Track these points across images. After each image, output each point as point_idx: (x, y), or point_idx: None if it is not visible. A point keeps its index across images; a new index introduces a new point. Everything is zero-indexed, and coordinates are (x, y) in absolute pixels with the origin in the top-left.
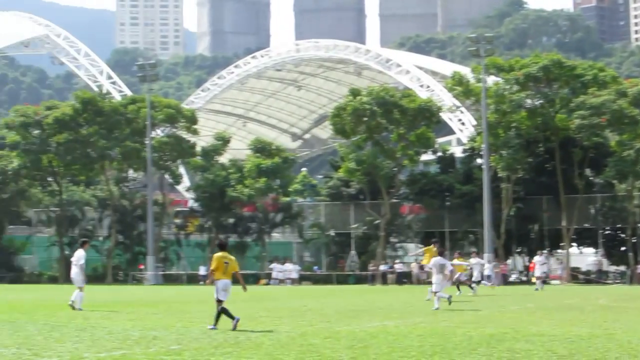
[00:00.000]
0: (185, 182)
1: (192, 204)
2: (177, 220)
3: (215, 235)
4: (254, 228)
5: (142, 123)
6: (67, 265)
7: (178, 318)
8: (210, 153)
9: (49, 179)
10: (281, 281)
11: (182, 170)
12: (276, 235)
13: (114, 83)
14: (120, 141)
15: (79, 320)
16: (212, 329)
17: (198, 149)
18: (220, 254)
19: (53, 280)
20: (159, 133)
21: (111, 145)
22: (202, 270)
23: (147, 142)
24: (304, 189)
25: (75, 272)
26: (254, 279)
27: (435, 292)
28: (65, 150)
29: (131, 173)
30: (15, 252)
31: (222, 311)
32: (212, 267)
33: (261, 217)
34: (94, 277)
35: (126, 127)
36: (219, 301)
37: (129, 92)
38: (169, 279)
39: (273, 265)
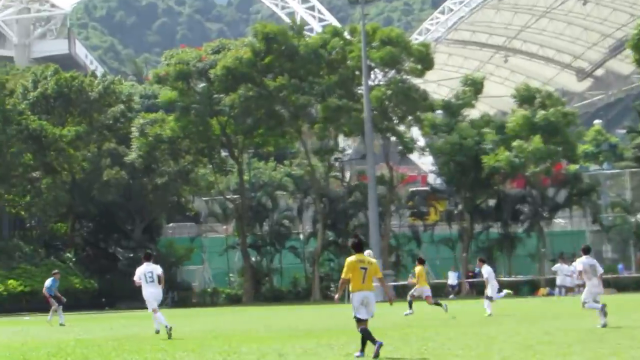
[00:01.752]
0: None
1: (433, 180)
2: (412, 206)
3: (468, 226)
4: (526, 212)
5: (354, 66)
6: (255, 278)
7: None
8: (455, 105)
9: (223, 152)
10: (569, 290)
11: (415, 132)
12: (560, 222)
13: (311, 9)
14: (323, 94)
15: None
16: (358, 356)
17: (437, 99)
18: (354, 257)
19: (234, 300)
20: (378, 80)
21: (310, 100)
22: (451, 278)
23: (361, 92)
24: (599, 151)
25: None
26: (530, 288)
27: None
28: (244, 111)
29: (341, 140)
30: (178, 261)
31: (364, 333)
32: (344, 276)
33: (536, 196)
34: (293, 293)
35: (331, 73)
36: (360, 321)
37: (334, 21)
38: (403, 292)
39: (557, 266)
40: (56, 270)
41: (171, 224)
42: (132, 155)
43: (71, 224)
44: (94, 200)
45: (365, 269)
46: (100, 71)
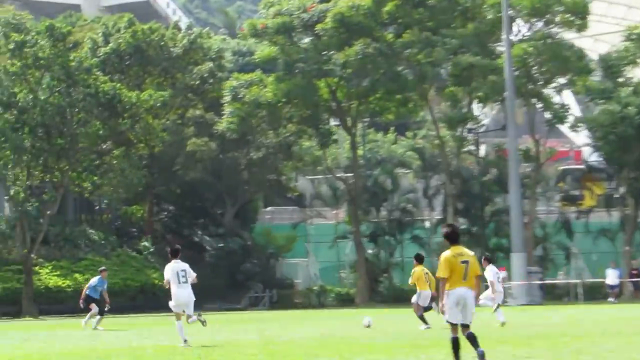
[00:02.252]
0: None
1: (588, 156)
2: (564, 188)
3: (632, 213)
4: None
5: (494, 17)
6: (371, 274)
7: None
8: (616, 65)
9: (332, 121)
10: None
11: (568, 97)
12: None
13: None
14: (455, 51)
15: None
16: None
17: (593, 59)
18: (450, 251)
19: (345, 300)
20: (522, 34)
21: (439, 58)
22: (611, 277)
23: (501, 49)
24: None
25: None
26: None
27: None
28: (359, 71)
29: (476, 107)
30: (277, 253)
31: (470, 338)
32: (441, 274)
33: None
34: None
35: (465, 23)
36: (453, 326)
37: None
38: (553, 294)
39: None
40: (103, 267)
41: (269, 208)
42: (223, 124)
43: (149, 207)
44: (176, 178)
45: (466, 262)
46: (184, 23)
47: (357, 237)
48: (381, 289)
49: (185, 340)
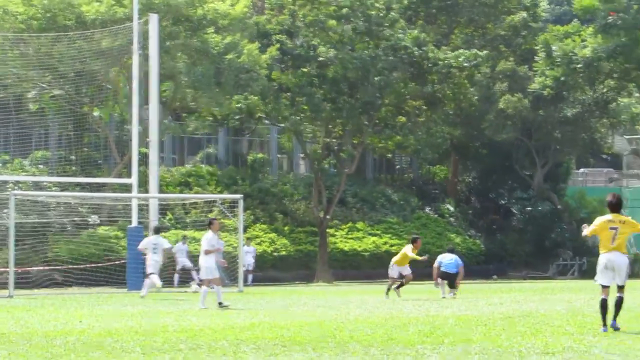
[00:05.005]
0: None
1: None
2: None
3: None
4: None
5: None
6: None
7: None
8: None
9: None
10: None
11: None
12: None
13: None
14: None
15: None
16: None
17: None
18: (605, 216)
19: None
20: None
21: None
22: None
23: None
24: None
25: None
26: None
27: None
28: None
29: None
30: (589, 218)
31: (617, 303)
32: (586, 233)
33: None
34: None
35: None
36: (604, 287)
37: None
38: None
39: None
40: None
41: (582, 169)
42: (538, 80)
43: (453, 168)
44: (482, 137)
45: (615, 228)
46: None
47: None
48: None
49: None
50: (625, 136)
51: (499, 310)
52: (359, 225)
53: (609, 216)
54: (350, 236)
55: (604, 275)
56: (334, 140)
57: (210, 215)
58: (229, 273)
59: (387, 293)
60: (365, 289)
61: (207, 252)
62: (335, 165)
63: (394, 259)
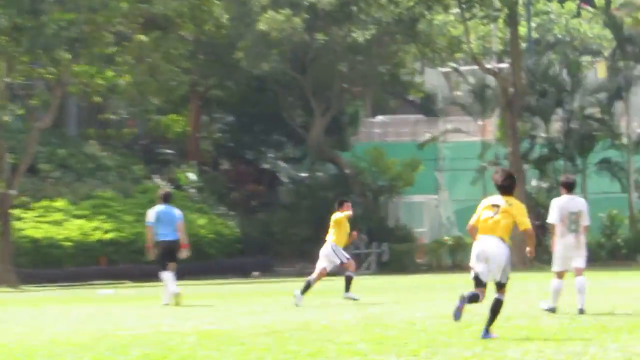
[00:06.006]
0: None
1: None
2: None
3: None
4: None
5: None
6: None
7: None
8: None
9: None
10: None
11: None
12: None
13: None
14: None
15: None
16: None
17: None
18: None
19: None
20: None
21: None
22: None
23: None
24: None
25: None
26: None
27: None
28: None
29: None
30: (390, 187)
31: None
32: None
33: None
34: None
35: None
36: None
37: None
38: None
39: None
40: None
41: (379, 117)
42: None
43: (194, 118)
44: (236, 73)
45: (497, 206)
46: None
47: (515, 161)
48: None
49: None
50: (440, 69)
51: (262, 321)
52: (59, 203)
53: (497, 197)
54: (45, 219)
55: (479, 267)
56: (19, 79)
57: None
58: None
59: (302, 293)
60: (72, 294)
61: None
62: (22, 117)
63: (330, 237)
